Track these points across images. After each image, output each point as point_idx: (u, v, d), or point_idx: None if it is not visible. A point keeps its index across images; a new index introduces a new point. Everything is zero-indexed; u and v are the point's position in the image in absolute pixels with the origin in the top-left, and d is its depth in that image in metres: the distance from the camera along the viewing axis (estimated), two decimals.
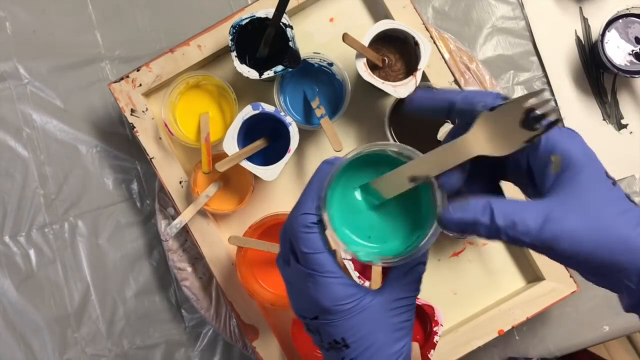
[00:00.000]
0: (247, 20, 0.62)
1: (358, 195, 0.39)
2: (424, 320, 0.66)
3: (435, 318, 0.63)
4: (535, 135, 0.33)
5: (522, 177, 0.36)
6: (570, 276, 0.66)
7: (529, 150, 0.34)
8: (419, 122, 0.66)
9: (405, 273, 0.37)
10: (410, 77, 0.62)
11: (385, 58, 0.65)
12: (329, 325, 0.36)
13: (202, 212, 0.68)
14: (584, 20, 0.74)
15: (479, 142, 0.34)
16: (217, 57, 0.70)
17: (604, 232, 0.31)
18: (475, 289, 0.69)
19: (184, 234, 0.71)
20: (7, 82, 0.75)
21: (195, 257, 0.71)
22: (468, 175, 0.36)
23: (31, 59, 0.76)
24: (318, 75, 0.67)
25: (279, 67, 0.61)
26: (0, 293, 0.73)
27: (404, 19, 0.67)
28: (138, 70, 0.68)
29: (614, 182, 0.33)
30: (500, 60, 0.75)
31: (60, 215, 0.74)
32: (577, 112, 0.73)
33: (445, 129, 0.65)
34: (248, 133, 0.65)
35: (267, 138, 0.65)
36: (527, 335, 0.71)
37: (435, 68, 0.67)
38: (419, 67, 0.62)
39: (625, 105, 0.73)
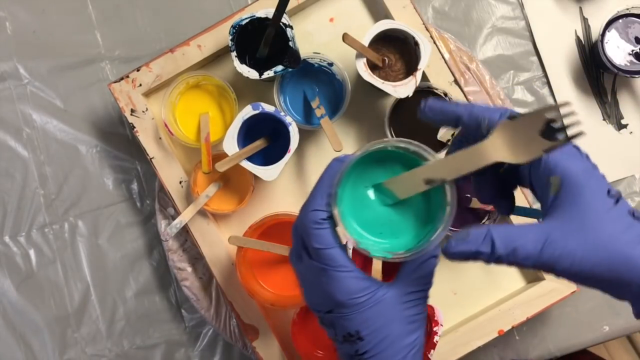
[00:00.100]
0: (247, 20, 0.62)
1: (369, 192, 0.39)
2: None
3: (435, 318, 0.63)
4: (555, 146, 0.33)
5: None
6: None
7: (531, 169, 0.35)
8: (418, 122, 0.65)
9: (417, 266, 0.38)
10: (410, 77, 0.62)
11: (385, 58, 0.65)
12: (343, 318, 0.37)
13: (202, 212, 0.68)
14: (584, 20, 0.74)
15: (498, 148, 0.35)
16: (217, 57, 0.70)
17: (604, 251, 0.32)
18: (475, 289, 0.69)
19: (184, 234, 0.71)
20: (7, 82, 0.75)
21: (195, 257, 0.71)
22: (483, 181, 0.37)
23: (31, 59, 0.76)
24: (318, 75, 0.67)
25: (279, 67, 0.61)
26: (0, 293, 0.73)
27: (404, 19, 0.67)
28: (138, 70, 0.68)
29: (618, 199, 0.33)
30: (500, 60, 0.75)
31: (60, 215, 0.74)
32: (577, 112, 0.73)
33: (445, 129, 0.65)
34: (248, 133, 0.65)
35: (267, 138, 0.65)
36: (527, 335, 0.71)
37: (435, 68, 0.67)
38: (419, 67, 0.62)
39: (625, 105, 0.73)
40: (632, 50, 0.70)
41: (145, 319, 0.74)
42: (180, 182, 0.68)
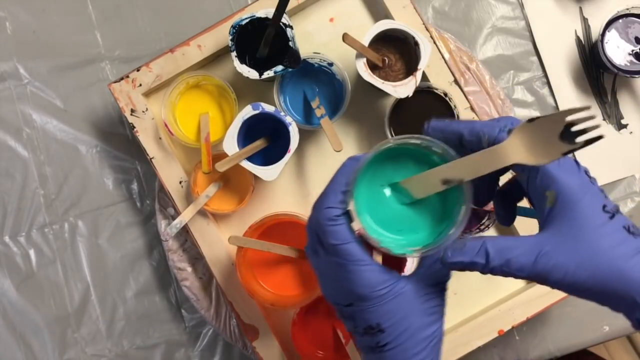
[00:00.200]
0: (247, 20, 0.62)
1: (385, 190, 0.39)
2: None
3: None
4: (574, 149, 0.34)
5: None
6: None
7: (529, 181, 0.35)
8: (419, 122, 0.65)
9: (436, 260, 0.38)
10: (410, 77, 0.62)
11: (385, 58, 0.65)
12: (364, 311, 0.37)
13: (202, 212, 0.68)
14: (584, 20, 0.74)
15: (516, 150, 0.35)
16: (217, 57, 0.70)
17: (597, 264, 0.33)
18: (475, 289, 0.69)
19: (184, 234, 0.71)
20: (7, 82, 0.75)
21: (195, 257, 0.71)
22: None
23: (31, 59, 0.76)
24: (318, 75, 0.67)
25: (279, 67, 0.61)
26: (0, 293, 0.73)
27: (404, 19, 0.67)
28: (138, 70, 0.68)
29: (613, 215, 0.34)
30: (500, 60, 0.75)
31: (60, 215, 0.74)
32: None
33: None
34: (248, 133, 0.65)
35: (267, 138, 0.65)
36: (527, 335, 0.71)
37: (435, 68, 0.67)
38: (419, 67, 0.62)
39: (625, 105, 0.73)
40: (632, 50, 0.70)
41: (145, 319, 0.74)
42: (180, 182, 0.68)
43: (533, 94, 0.75)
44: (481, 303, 0.69)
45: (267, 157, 0.65)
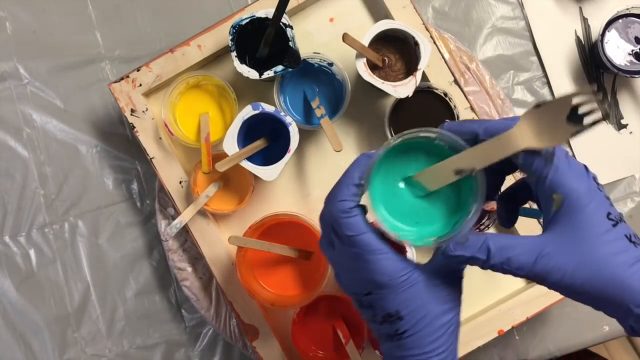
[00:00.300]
0: (247, 20, 0.62)
1: (399, 184, 0.40)
2: None
3: None
4: (582, 130, 0.35)
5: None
6: None
7: (537, 184, 0.36)
8: (419, 122, 0.66)
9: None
10: (410, 77, 0.62)
11: (385, 58, 0.65)
12: (382, 299, 0.38)
13: (202, 212, 0.68)
14: (584, 20, 0.74)
15: (525, 136, 0.36)
16: (217, 57, 0.70)
17: (595, 269, 0.34)
18: (475, 289, 0.69)
19: (184, 234, 0.71)
20: (7, 82, 0.75)
21: (195, 257, 0.71)
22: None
23: (31, 59, 0.76)
24: (318, 75, 0.67)
25: (279, 67, 0.61)
26: (0, 293, 0.73)
27: (404, 19, 0.67)
28: (138, 70, 0.68)
29: (617, 223, 0.35)
30: (500, 60, 0.75)
31: (60, 215, 0.74)
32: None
33: None
34: (248, 133, 0.65)
35: (267, 138, 0.65)
36: (527, 335, 0.71)
37: (435, 68, 0.67)
38: (419, 67, 0.62)
39: (625, 105, 0.73)
40: (632, 50, 0.70)
41: (145, 319, 0.74)
42: (180, 182, 0.68)
43: (533, 94, 0.75)
44: (481, 303, 0.69)
45: (267, 157, 0.65)
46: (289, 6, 0.59)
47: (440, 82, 0.67)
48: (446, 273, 0.39)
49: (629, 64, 0.69)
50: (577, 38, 0.74)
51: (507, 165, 0.38)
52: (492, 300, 0.69)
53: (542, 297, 0.66)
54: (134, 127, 0.68)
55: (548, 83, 0.74)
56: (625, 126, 0.73)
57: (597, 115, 0.34)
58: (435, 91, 0.66)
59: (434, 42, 0.67)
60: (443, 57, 0.67)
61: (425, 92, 0.66)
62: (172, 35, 0.75)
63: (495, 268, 0.36)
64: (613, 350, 1.13)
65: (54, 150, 0.75)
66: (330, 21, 0.71)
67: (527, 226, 0.67)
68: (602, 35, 0.69)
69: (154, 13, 0.76)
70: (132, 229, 0.74)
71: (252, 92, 0.70)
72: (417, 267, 0.38)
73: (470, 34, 0.75)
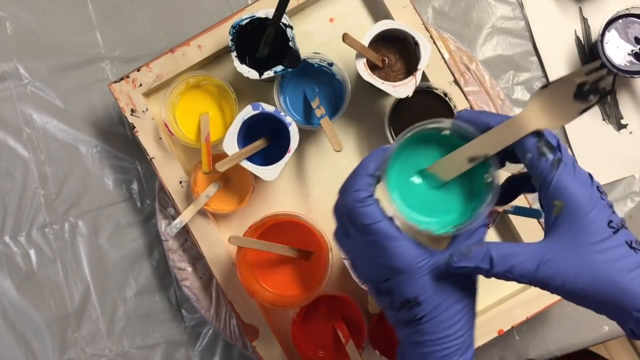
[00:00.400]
0: (247, 21, 0.62)
1: (414, 177, 0.41)
2: None
3: None
4: (589, 106, 0.36)
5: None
6: None
7: (541, 189, 0.37)
8: (419, 122, 0.66)
9: (469, 235, 0.40)
10: (410, 77, 0.62)
11: (385, 58, 0.65)
12: (401, 285, 0.38)
13: (202, 212, 0.68)
14: (584, 20, 0.74)
15: (535, 117, 0.37)
16: (217, 57, 0.71)
17: (595, 275, 0.35)
18: None
19: (184, 234, 0.71)
20: (8, 82, 0.75)
21: (196, 257, 0.71)
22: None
23: (31, 59, 0.76)
24: (318, 75, 0.68)
25: (279, 67, 0.61)
26: (1, 293, 0.73)
27: (404, 19, 0.67)
28: (138, 71, 0.68)
29: (618, 230, 0.36)
30: (500, 60, 0.75)
31: (60, 215, 0.74)
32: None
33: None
34: (248, 133, 0.65)
35: (267, 138, 0.65)
36: (527, 335, 0.71)
37: (435, 68, 0.67)
38: (418, 67, 0.62)
39: (625, 105, 0.74)
40: (632, 51, 0.70)
41: (145, 318, 0.74)
42: (180, 182, 0.68)
43: (533, 94, 0.75)
44: (481, 303, 0.69)
45: (267, 157, 0.65)
46: (289, 6, 0.59)
47: (440, 82, 0.67)
48: None
49: (628, 64, 0.69)
50: (577, 38, 0.74)
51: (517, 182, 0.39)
52: (492, 300, 0.69)
53: (542, 297, 0.66)
54: (134, 127, 0.68)
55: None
56: (625, 126, 0.73)
57: (603, 89, 0.35)
58: (435, 91, 0.66)
59: (434, 42, 0.67)
60: (443, 57, 0.67)
61: (425, 92, 0.66)
62: (172, 36, 0.75)
63: (498, 276, 0.37)
64: (613, 350, 1.13)
65: (54, 150, 0.75)
66: (330, 21, 0.71)
67: (527, 226, 0.67)
68: (602, 35, 0.69)
69: (154, 13, 0.76)
70: (132, 229, 0.74)
71: (252, 92, 0.70)
72: (437, 253, 0.39)
73: (470, 34, 0.75)
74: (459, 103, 0.66)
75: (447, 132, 0.39)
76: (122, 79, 0.68)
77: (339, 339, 0.64)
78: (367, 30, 0.63)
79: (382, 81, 0.62)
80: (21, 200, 0.74)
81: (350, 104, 0.64)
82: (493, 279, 0.37)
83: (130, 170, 0.75)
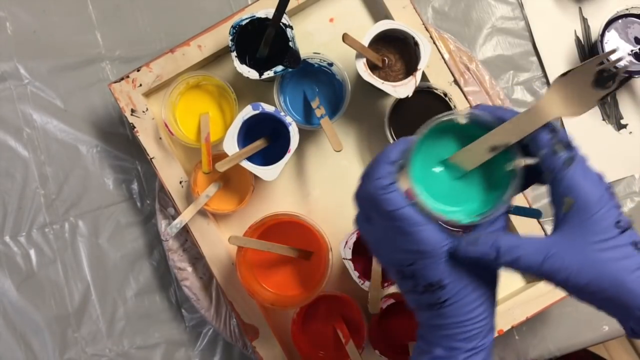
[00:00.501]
0: (247, 21, 0.62)
1: (436, 167, 0.41)
2: None
3: None
4: (609, 93, 0.36)
5: None
6: None
7: (553, 185, 0.38)
8: (419, 122, 0.66)
9: (491, 223, 0.40)
10: (410, 77, 0.62)
11: (385, 58, 0.65)
12: (426, 268, 0.39)
13: (202, 212, 0.68)
14: (584, 20, 0.74)
15: (554, 105, 0.37)
16: (217, 57, 0.71)
17: (598, 272, 0.35)
18: None
19: (184, 233, 0.71)
20: (8, 82, 0.75)
21: (196, 257, 0.72)
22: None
23: (31, 59, 0.76)
24: (318, 76, 0.68)
25: (279, 67, 0.61)
26: (1, 293, 0.73)
27: (403, 19, 0.67)
28: (138, 71, 0.68)
29: (625, 230, 0.36)
30: (500, 60, 0.75)
31: (60, 215, 0.74)
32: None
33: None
34: (248, 133, 0.65)
35: (267, 138, 0.65)
36: (526, 335, 0.71)
37: (435, 68, 0.67)
38: (418, 67, 0.62)
39: (625, 105, 0.74)
40: (632, 51, 0.70)
41: (145, 318, 0.74)
42: (181, 182, 0.68)
43: (533, 94, 0.75)
44: None
45: (267, 157, 0.65)
46: (289, 6, 0.59)
47: (440, 82, 0.67)
48: None
49: (628, 64, 0.69)
50: (577, 38, 0.74)
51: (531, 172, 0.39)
52: None
53: (542, 297, 0.66)
54: (134, 127, 0.68)
55: (548, 83, 0.74)
56: (625, 126, 0.73)
57: (622, 75, 0.36)
58: (435, 91, 0.66)
59: (434, 42, 0.67)
60: (443, 57, 0.67)
61: (425, 92, 0.66)
62: (172, 36, 0.75)
63: (504, 266, 0.37)
64: (613, 350, 1.13)
65: (54, 150, 0.75)
66: (330, 21, 0.71)
67: (527, 226, 0.67)
68: (602, 35, 0.69)
69: (154, 13, 0.76)
70: (132, 229, 0.74)
71: (252, 92, 0.70)
72: (459, 237, 0.40)
73: (470, 34, 0.75)
74: (459, 103, 0.66)
75: (467, 122, 0.40)
76: (122, 79, 0.68)
77: (339, 339, 0.64)
78: (367, 30, 0.63)
79: (382, 81, 0.62)
80: (21, 200, 0.74)
81: (350, 104, 0.64)
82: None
83: (130, 170, 0.75)
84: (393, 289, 0.66)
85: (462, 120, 0.40)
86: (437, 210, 0.39)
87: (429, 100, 0.66)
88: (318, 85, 0.68)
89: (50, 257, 0.74)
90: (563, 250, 0.36)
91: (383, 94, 0.67)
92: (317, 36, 0.71)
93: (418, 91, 0.64)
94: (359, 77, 0.65)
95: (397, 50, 0.66)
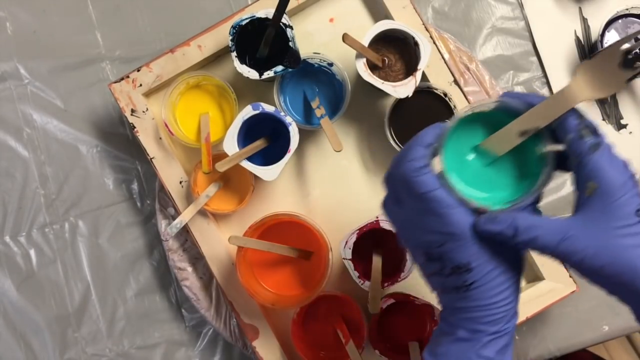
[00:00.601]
0: (247, 21, 0.62)
1: (467, 154, 0.42)
2: (423, 320, 0.66)
3: (435, 318, 0.63)
4: (636, 74, 0.37)
5: None
6: (570, 276, 0.66)
7: (578, 168, 0.38)
8: (419, 122, 0.66)
9: (522, 209, 0.40)
10: (410, 77, 0.62)
11: (385, 58, 0.65)
12: (454, 251, 0.39)
13: (202, 212, 0.68)
14: (584, 20, 0.74)
15: (582, 88, 0.38)
16: (217, 57, 0.71)
17: (614, 257, 0.36)
18: None
19: (184, 233, 0.71)
20: (8, 82, 0.75)
21: (196, 257, 0.72)
22: None
23: (31, 59, 0.76)
24: (318, 76, 0.68)
25: (279, 67, 0.61)
26: (1, 293, 0.73)
27: (403, 19, 0.67)
28: (138, 71, 0.68)
29: None
30: (500, 60, 0.75)
31: (60, 215, 0.74)
32: None
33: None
34: (248, 133, 0.65)
35: (267, 138, 0.65)
36: (527, 335, 0.71)
37: (435, 68, 0.67)
38: (418, 67, 0.62)
39: (625, 105, 0.74)
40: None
41: (145, 318, 0.74)
42: (181, 182, 0.68)
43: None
44: None
45: (267, 157, 0.65)
46: (289, 6, 0.60)
47: (440, 82, 0.67)
48: None
49: None
50: (577, 38, 0.74)
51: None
52: None
53: (542, 296, 0.66)
54: (134, 127, 0.68)
55: (548, 83, 0.74)
56: (625, 126, 0.73)
57: None
58: (435, 91, 0.66)
59: (434, 42, 0.67)
60: (443, 58, 0.68)
61: (425, 92, 0.66)
62: (173, 36, 0.75)
63: (521, 245, 0.38)
64: (613, 350, 1.13)
65: (55, 150, 0.75)
66: (330, 21, 0.71)
67: None
68: (602, 35, 0.69)
69: (154, 13, 0.76)
70: (132, 229, 0.74)
71: (252, 92, 0.70)
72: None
73: (470, 34, 0.75)
74: (458, 103, 0.66)
75: (496, 110, 0.40)
76: (122, 79, 0.68)
77: (339, 339, 0.64)
78: (367, 30, 0.63)
79: (382, 81, 0.62)
80: (21, 200, 0.74)
81: (350, 104, 0.64)
82: None
83: (130, 170, 0.75)
84: (393, 289, 0.66)
85: (492, 108, 0.40)
86: (469, 196, 0.40)
87: (429, 100, 0.66)
88: (318, 85, 0.68)
89: (50, 257, 0.74)
90: (581, 233, 0.36)
91: (383, 94, 0.67)
92: (317, 36, 0.71)
93: (418, 91, 0.64)
94: (359, 77, 0.65)
95: (397, 50, 0.66)
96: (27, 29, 0.76)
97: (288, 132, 0.62)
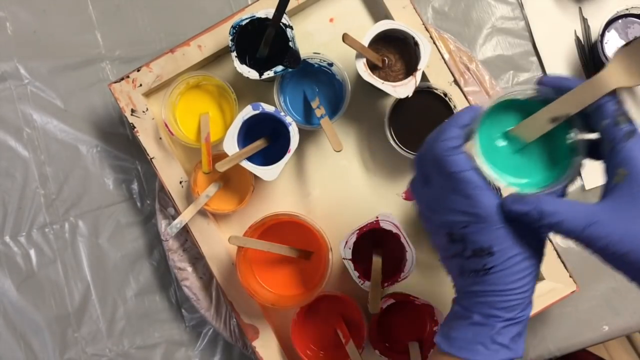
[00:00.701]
0: (247, 21, 0.62)
1: (498, 140, 0.42)
2: (423, 320, 0.66)
3: (435, 318, 0.63)
4: None
5: None
6: (570, 276, 0.66)
7: (610, 154, 0.38)
8: (418, 122, 0.66)
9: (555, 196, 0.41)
10: (410, 77, 0.62)
11: (385, 58, 0.65)
12: (478, 233, 0.40)
13: (202, 212, 0.68)
14: (584, 20, 0.74)
15: (617, 75, 0.37)
16: (217, 57, 0.71)
17: (638, 243, 0.36)
18: None
19: (184, 233, 0.71)
20: (8, 82, 0.75)
21: (196, 257, 0.72)
22: None
23: (31, 59, 0.76)
24: (318, 76, 0.68)
25: (279, 67, 0.61)
26: (1, 293, 0.73)
27: (403, 19, 0.67)
28: (138, 71, 0.68)
29: None
30: (500, 60, 0.75)
31: (60, 215, 0.74)
32: None
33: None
34: (248, 133, 0.65)
35: (267, 138, 0.65)
36: (527, 336, 0.71)
37: (435, 68, 0.67)
38: (418, 67, 0.62)
39: (625, 105, 0.73)
40: None
41: (145, 318, 0.74)
42: (181, 182, 0.68)
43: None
44: None
45: (267, 157, 0.65)
46: (289, 6, 0.60)
47: (440, 82, 0.67)
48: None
49: None
50: (577, 38, 0.74)
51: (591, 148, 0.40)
52: None
53: (542, 297, 0.66)
54: (134, 127, 0.68)
55: None
56: None
57: None
58: (435, 91, 0.66)
59: (434, 42, 0.67)
60: (443, 58, 0.68)
61: (425, 92, 0.66)
62: (172, 36, 0.75)
63: (546, 229, 0.38)
64: (613, 350, 1.13)
65: (55, 150, 0.75)
66: (330, 21, 0.71)
67: None
68: (602, 35, 0.69)
69: (154, 13, 0.76)
70: (132, 229, 0.74)
71: (252, 92, 0.70)
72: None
73: (470, 34, 0.75)
74: (459, 103, 0.66)
75: (529, 98, 0.40)
76: (122, 79, 0.68)
77: (339, 339, 0.64)
78: (367, 30, 0.63)
79: (382, 81, 0.62)
80: (21, 200, 0.74)
81: (350, 104, 0.64)
82: None
83: (130, 170, 0.75)
84: (393, 289, 0.66)
85: (527, 96, 0.40)
86: (499, 181, 0.40)
87: (429, 100, 0.66)
88: (318, 85, 0.68)
89: (50, 257, 0.74)
90: (607, 218, 0.36)
91: (383, 94, 0.67)
92: (317, 36, 0.71)
93: (418, 91, 0.64)
94: (359, 77, 0.65)
95: (397, 50, 0.66)
96: (27, 29, 0.76)
97: (288, 132, 0.62)
